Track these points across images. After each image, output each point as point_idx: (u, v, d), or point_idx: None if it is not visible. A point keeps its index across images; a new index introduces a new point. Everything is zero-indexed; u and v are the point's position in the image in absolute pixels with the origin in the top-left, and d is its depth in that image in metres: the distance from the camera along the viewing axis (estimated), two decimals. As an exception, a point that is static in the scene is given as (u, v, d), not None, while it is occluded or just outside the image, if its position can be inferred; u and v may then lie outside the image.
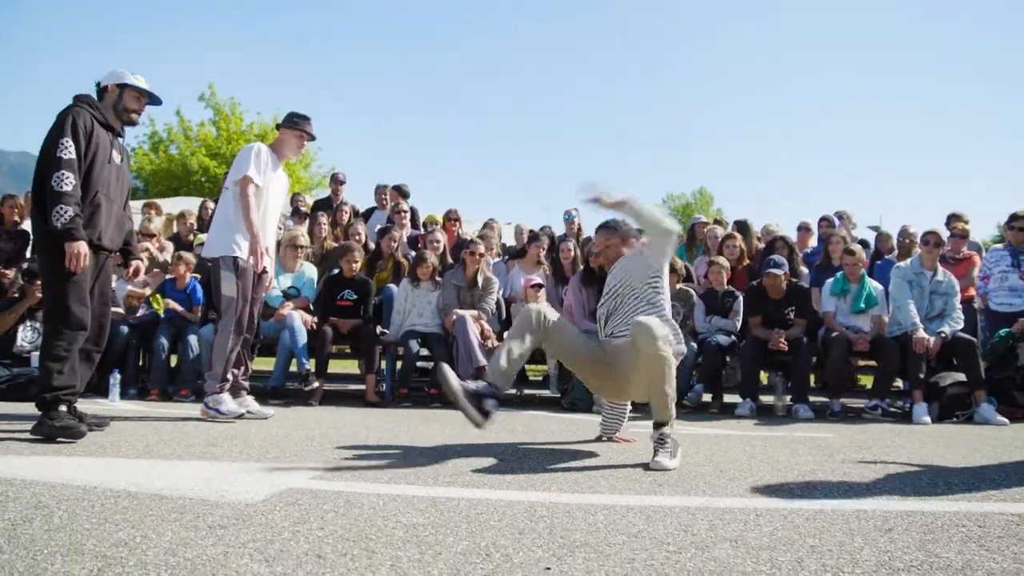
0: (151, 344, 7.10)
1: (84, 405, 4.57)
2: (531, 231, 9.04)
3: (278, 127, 5.68)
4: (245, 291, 5.26)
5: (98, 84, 4.58)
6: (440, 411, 6.38)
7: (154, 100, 4.71)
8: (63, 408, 4.18)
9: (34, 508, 2.51)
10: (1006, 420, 6.15)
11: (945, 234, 7.45)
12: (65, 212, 4.10)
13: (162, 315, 7.15)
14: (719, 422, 5.95)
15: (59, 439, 4.02)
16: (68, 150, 4.16)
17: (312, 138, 5.66)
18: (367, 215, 9.83)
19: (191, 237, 8.73)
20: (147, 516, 2.45)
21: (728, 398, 7.16)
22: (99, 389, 6.47)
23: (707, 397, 7.10)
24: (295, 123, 5.57)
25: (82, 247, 4.16)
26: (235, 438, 4.34)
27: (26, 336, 6.57)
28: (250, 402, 5.43)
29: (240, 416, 5.12)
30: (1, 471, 3.16)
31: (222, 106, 28.06)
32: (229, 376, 5.31)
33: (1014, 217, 7.58)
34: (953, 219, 8.45)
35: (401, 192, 10.27)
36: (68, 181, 4.12)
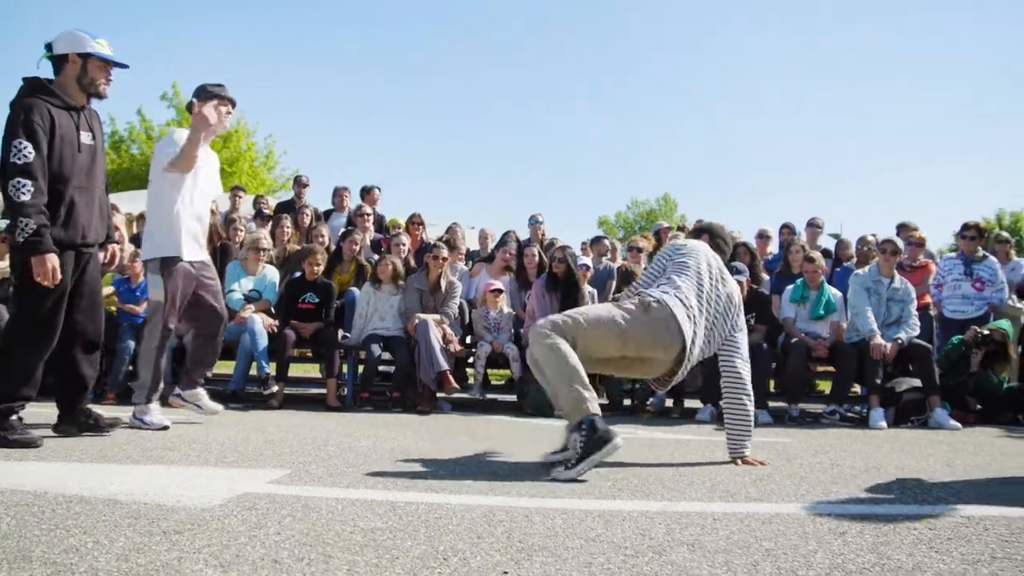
0: (109, 346, 6.97)
1: (31, 409, 4.45)
2: (502, 238, 9.04)
3: (189, 107, 5.10)
4: (174, 295, 4.90)
5: (49, 48, 4.14)
6: (401, 415, 6.36)
7: (120, 65, 4.31)
8: (14, 418, 4.01)
9: (-18, 514, 2.46)
10: (959, 425, 6.27)
11: (902, 242, 7.59)
12: (27, 225, 3.83)
13: (114, 313, 7.03)
14: (680, 427, 6.00)
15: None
16: (22, 153, 3.84)
17: (233, 104, 5.15)
18: (325, 216, 9.76)
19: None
20: (100, 522, 2.40)
21: (689, 403, 7.21)
22: (52, 392, 6.33)
23: (669, 402, 7.15)
24: (212, 92, 5.03)
25: (50, 260, 3.89)
26: (193, 442, 4.28)
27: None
28: (202, 396, 5.31)
29: (165, 428, 4.81)
30: (-51, 476, 3.09)
31: (185, 106, 27.73)
32: (161, 385, 5.02)
33: (966, 227, 7.79)
34: (902, 229, 8.57)
35: (371, 197, 10.18)
36: (26, 189, 3.83)
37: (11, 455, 3.69)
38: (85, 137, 4.18)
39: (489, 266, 8.33)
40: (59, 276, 3.96)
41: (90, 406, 4.48)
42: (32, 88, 4.06)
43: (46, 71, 4.22)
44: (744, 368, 4.15)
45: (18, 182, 3.83)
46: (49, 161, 3.97)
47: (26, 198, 3.84)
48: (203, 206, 5.19)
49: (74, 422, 4.38)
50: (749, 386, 4.17)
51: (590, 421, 3.50)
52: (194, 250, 5.05)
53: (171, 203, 4.92)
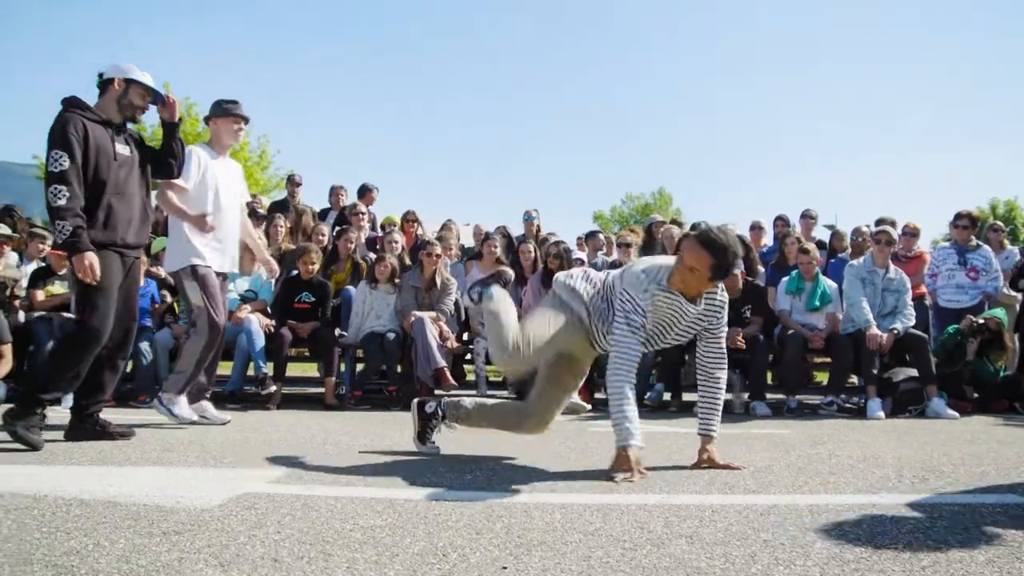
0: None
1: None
2: (486, 232, 9.03)
3: (207, 120, 5.51)
4: (213, 296, 5.15)
5: (101, 75, 4.49)
6: (400, 414, 6.35)
7: (158, 98, 4.62)
8: (39, 414, 4.08)
9: (-18, 518, 2.46)
10: (956, 414, 6.29)
11: (896, 233, 7.60)
12: (63, 227, 4.05)
13: None
14: (678, 420, 6.01)
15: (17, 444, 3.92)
16: (59, 162, 4.08)
17: (246, 120, 5.48)
18: (322, 215, 9.76)
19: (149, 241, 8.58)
20: (100, 524, 2.41)
21: (687, 396, 7.21)
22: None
23: (667, 396, 7.16)
24: (226, 109, 5.41)
25: (88, 257, 4.10)
26: (192, 443, 4.29)
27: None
28: (207, 407, 5.35)
29: (193, 422, 5.00)
30: (-52, 481, 3.09)
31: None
32: (203, 379, 5.26)
33: (959, 216, 7.80)
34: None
35: (368, 197, 10.15)
36: (62, 194, 4.05)
37: (12, 459, 3.69)
38: (121, 150, 4.43)
39: (479, 262, 8.32)
40: (98, 273, 4.16)
41: (100, 414, 4.51)
42: (69, 105, 4.32)
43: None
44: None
45: (55, 188, 4.08)
46: (85, 168, 4.21)
47: (62, 202, 4.07)
48: (228, 218, 5.37)
49: (83, 428, 4.42)
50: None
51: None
52: (217, 260, 5.28)
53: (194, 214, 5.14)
